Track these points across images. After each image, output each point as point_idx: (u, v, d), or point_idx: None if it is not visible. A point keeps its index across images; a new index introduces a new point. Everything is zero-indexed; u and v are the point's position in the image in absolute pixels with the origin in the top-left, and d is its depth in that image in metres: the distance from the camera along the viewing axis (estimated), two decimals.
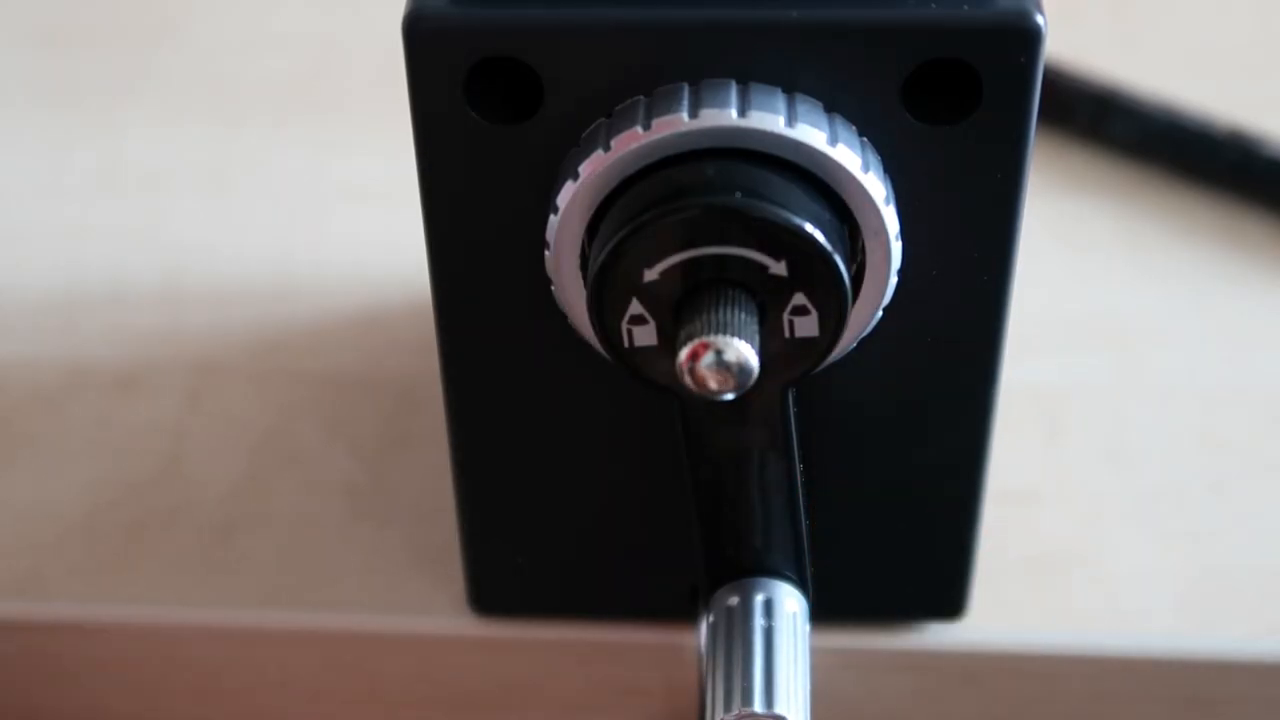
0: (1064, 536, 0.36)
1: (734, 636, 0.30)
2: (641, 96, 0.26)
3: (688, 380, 0.25)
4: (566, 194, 0.26)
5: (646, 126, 0.25)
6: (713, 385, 0.25)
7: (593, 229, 0.26)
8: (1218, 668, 0.34)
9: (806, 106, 0.26)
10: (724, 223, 0.25)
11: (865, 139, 0.26)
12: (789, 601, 0.31)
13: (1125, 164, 0.46)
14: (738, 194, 0.25)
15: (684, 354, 0.25)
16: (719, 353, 0.25)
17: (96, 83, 0.50)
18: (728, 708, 0.29)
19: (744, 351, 0.25)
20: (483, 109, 0.26)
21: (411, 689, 0.36)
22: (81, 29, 0.53)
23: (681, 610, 0.33)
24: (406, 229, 0.32)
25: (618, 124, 0.26)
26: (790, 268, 0.25)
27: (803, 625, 0.31)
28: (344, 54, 0.51)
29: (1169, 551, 0.36)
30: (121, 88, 0.50)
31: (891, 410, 0.30)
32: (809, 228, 0.25)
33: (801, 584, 0.31)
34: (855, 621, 0.34)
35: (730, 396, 0.25)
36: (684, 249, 0.25)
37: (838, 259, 0.25)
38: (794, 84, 0.26)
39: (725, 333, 0.25)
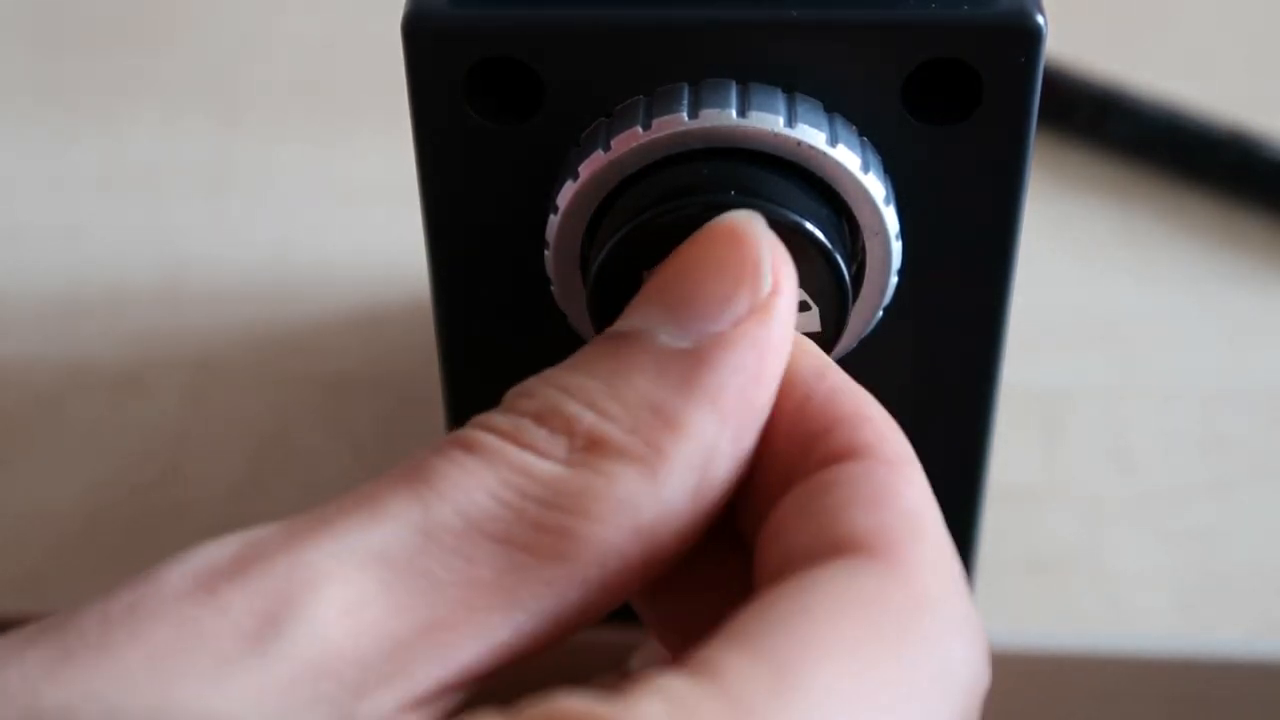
0: (1064, 536, 0.36)
1: None
2: (641, 96, 0.26)
3: None
4: (566, 194, 0.26)
5: (646, 126, 0.25)
6: None
7: (593, 229, 0.26)
8: (1218, 668, 0.34)
9: (806, 106, 0.26)
10: None
11: (865, 139, 0.26)
12: None
13: (1125, 164, 0.46)
14: (732, 193, 0.25)
15: None
16: None
17: (96, 83, 0.50)
18: None
19: None
20: (483, 109, 0.26)
21: None
22: (81, 29, 0.53)
23: None
24: (406, 229, 0.32)
25: (618, 124, 0.26)
26: None
27: None
28: (344, 54, 0.51)
29: (1169, 551, 0.36)
30: (121, 88, 0.50)
31: (892, 410, 0.30)
32: (806, 224, 0.25)
33: None
34: None
35: None
36: None
37: (836, 254, 0.25)
38: (794, 84, 0.26)
39: None
